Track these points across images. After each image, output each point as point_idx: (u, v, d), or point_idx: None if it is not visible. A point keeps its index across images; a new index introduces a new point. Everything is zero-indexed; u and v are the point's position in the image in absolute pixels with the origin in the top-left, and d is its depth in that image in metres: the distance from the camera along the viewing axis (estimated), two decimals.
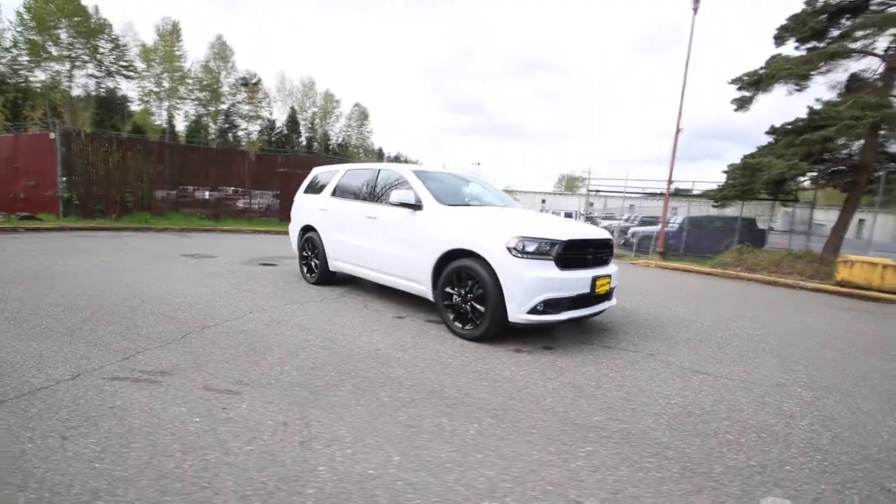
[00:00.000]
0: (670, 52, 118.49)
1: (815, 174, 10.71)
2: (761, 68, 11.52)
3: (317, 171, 6.56)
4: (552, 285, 3.65)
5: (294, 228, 6.48)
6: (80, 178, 12.55)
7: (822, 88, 11.90)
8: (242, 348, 3.42)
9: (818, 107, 10.19)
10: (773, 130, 11.23)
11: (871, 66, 11.74)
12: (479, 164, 30.85)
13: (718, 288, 8.47)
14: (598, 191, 19.93)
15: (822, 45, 11.72)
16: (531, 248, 3.66)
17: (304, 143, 63.16)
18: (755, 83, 11.63)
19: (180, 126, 52.04)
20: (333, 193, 5.80)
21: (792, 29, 11.28)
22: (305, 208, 6.22)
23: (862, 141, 10.52)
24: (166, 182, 14.23)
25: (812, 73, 11.45)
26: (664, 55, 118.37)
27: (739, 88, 12.15)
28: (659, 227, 14.80)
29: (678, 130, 14.06)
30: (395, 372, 3.14)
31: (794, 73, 10.83)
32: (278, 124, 60.28)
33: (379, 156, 74.19)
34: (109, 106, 42.21)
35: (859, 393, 3.24)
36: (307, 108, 64.62)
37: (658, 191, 19.90)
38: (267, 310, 4.61)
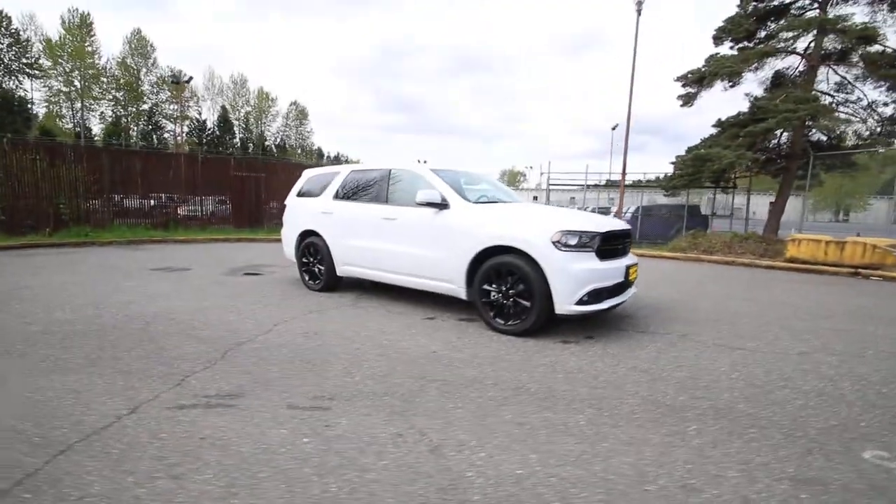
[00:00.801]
0: (593, 54, 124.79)
1: (749, 163, 11.79)
2: (703, 66, 12.53)
3: (309, 174, 6.29)
4: (596, 276, 3.79)
5: (290, 234, 6.17)
6: (3, 191, 11.09)
7: (752, 85, 13.12)
8: (298, 362, 3.24)
9: (760, 102, 11.26)
10: (718, 123, 12.28)
11: (792, 65, 13.17)
12: (425, 161, 30.71)
13: (691, 270, 9.14)
14: (556, 183, 20.69)
15: (751, 45, 12.96)
16: (573, 241, 3.77)
17: (238, 143, 59.92)
18: (699, 80, 12.62)
19: (96, 129, 47.44)
20: (337, 196, 5.59)
21: (729, 30, 12.36)
22: (303, 213, 5.95)
23: (790, 132, 11.75)
24: (105, 190, 12.92)
25: (745, 70, 12.63)
26: (587, 56, 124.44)
27: (684, 85, 13.13)
28: (613, 216, 15.67)
29: (628, 126, 14.94)
30: (467, 372, 3.12)
31: (734, 70, 11.89)
32: (209, 124, 56.69)
33: (319, 155, 72.14)
34: (10, 108, 37.48)
35: (870, 355, 3.67)
36: (240, 107, 61.35)
37: (600, 182, 21.07)
38: (290, 321, 4.37)
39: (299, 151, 66.80)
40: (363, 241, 5.16)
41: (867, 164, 14.06)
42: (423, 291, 5.05)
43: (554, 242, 3.74)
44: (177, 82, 26.82)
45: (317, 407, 2.55)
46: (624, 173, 15.08)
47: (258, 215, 16.04)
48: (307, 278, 5.93)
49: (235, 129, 59.89)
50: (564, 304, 3.73)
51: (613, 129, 35.08)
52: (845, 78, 12.01)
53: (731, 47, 12.97)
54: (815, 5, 11.91)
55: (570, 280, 3.70)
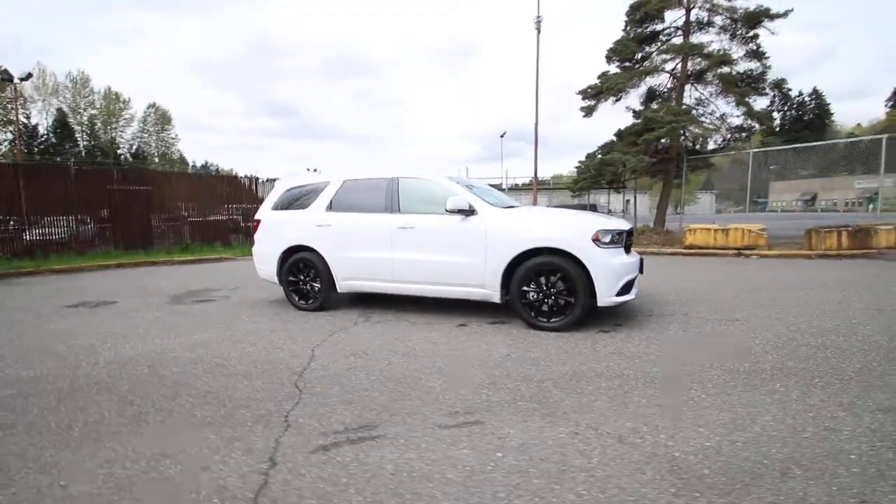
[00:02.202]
0: (467, 64, 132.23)
1: (645, 166, 13.77)
2: (599, 82, 14.29)
3: (287, 185, 5.79)
4: (628, 269, 4.22)
5: (269, 251, 5.58)
6: None
7: (633, 99, 15.24)
8: (390, 384, 3.05)
9: (649, 114, 13.20)
10: (618, 133, 14.09)
11: (662, 82, 15.67)
12: (315, 169, 29.96)
13: None
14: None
15: (631, 65, 15.14)
16: (607, 239, 4.15)
17: (83, 152, 50.77)
18: (597, 94, 14.35)
19: None
20: (332, 208, 5.25)
21: (618, 52, 14.28)
22: (289, 227, 5.45)
23: (671, 139, 13.99)
24: None
25: (630, 86, 14.71)
26: (462, 65, 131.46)
27: (584, 98, 14.79)
28: None
29: (536, 137, 16.27)
30: (561, 368, 3.26)
31: (624, 86, 13.76)
32: (41, 130, 47.00)
33: (182, 163, 64.53)
34: None
35: (822, 313, 4.68)
36: (82, 110, 52.01)
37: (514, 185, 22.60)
38: (322, 344, 4.04)
39: (157, 159, 58.77)
40: (373, 252, 4.94)
41: (720, 164, 17.32)
42: (428, 300, 5.08)
43: (594, 241, 4.07)
44: (8, 80, 21.06)
45: (468, 423, 2.48)
46: (536, 177, 16.45)
47: (148, 234, 13.96)
48: (297, 298, 5.45)
49: (78, 135, 50.60)
50: (606, 296, 4.08)
51: (502, 136, 37.66)
52: (703, 94, 14.71)
53: (618, 66, 14.98)
54: (679, 33, 14.39)
55: (611, 274, 4.06)
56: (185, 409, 2.75)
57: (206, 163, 71.21)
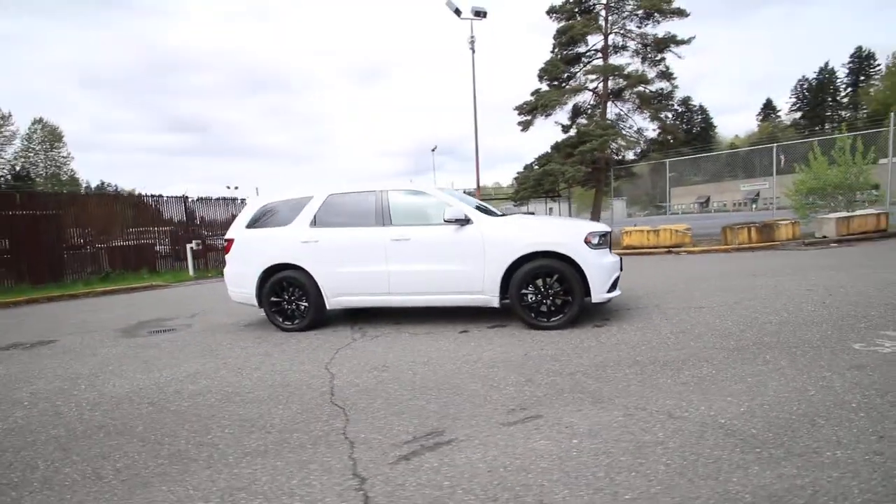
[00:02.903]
0: (384, 82, 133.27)
1: (581, 176, 14.92)
2: (535, 99, 15.26)
3: (261, 203, 5.55)
4: (615, 267, 4.61)
5: (245, 272, 5.28)
6: None
7: (561, 115, 16.44)
8: (432, 392, 3.09)
9: (582, 128, 14.33)
10: (555, 146, 15.09)
11: (586, 100, 17.09)
12: (237, 187, 28.71)
13: None
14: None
15: (558, 83, 16.36)
16: (596, 240, 4.51)
17: None
18: (531, 110, 15.30)
19: None
20: (316, 223, 5.12)
21: (549, 71, 15.37)
22: (270, 245, 5.21)
23: (601, 151, 15.28)
24: None
25: (560, 103, 15.88)
26: (380, 83, 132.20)
27: (521, 114, 15.69)
28: None
29: (477, 150, 16.86)
30: (581, 361, 3.50)
31: (556, 103, 14.83)
32: None
33: (73, 184, 57.63)
34: None
35: (766, 295, 5.42)
36: None
37: None
38: (332, 363, 3.94)
39: (40, 179, 51.85)
40: (367, 266, 4.90)
41: (641, 172, 19.15)
42: (418, 311, 5.18)
43: (586, 243, 4.41)
44: None
45: (529, 417, 2.60)
46: (478, 187, 17.02)
47: (60, 264, 12.41)
48: (281, 319, 5.21)
49: None
50: (599, 293, 4.43)
51: (433, 150, 38.40)
52: (622, 110, 16.28)
53: (548, 84, 16.11)
54: (599, 55, 15.84)
55: (602, 272, 4.42)
56: (229, 440, 2.58)
57: (103, 183, 63.95)
